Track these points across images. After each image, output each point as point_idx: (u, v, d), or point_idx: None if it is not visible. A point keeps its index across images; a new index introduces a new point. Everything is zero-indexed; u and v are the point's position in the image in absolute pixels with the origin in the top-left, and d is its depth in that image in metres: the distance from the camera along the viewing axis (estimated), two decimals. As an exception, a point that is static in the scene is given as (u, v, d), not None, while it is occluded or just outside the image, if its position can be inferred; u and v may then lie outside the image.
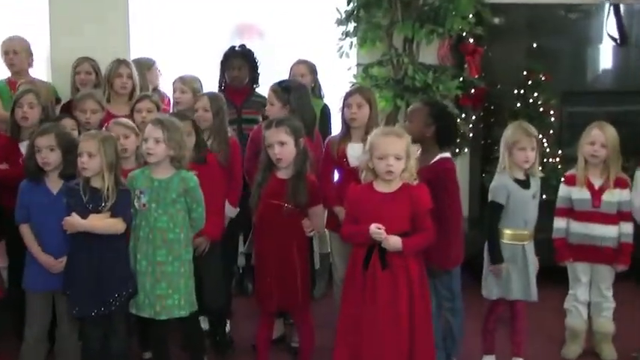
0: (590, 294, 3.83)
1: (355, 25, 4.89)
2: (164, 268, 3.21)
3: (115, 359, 3.27)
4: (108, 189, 3.16)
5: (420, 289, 3.06)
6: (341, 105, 3.77)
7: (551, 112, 5.05)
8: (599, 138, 3.72)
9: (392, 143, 3.04)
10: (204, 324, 3.88)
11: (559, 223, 3.81)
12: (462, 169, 3.44)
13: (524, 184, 3.53)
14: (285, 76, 4.53)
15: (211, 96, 3.97)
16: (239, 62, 4.53)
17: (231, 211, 3.91)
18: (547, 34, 5.19)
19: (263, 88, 4.53)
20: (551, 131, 5.02)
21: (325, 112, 4.59)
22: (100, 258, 3.17)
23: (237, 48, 4.59)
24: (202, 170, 3.45)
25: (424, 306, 3.08)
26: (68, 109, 4.24)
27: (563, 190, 3.83)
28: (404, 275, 3.02)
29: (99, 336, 3.23)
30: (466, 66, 5.05)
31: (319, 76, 4.71)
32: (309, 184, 3.38)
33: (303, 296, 3.42)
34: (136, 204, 3.24)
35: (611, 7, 5.23)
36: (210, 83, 4.58)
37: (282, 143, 3.34)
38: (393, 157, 3.02)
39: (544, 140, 4.80)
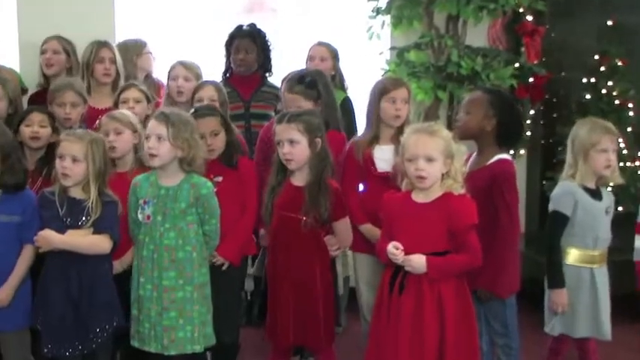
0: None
1: (388, 0, 4.90)
2: (173, 293, 3.23)
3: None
4: (92, 201, 3.19)
5: (455, 321, 3.04)
6: (373, 98, 3.72)
7: (630, 106, 5.02)
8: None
9: (422, 142, 3.06)
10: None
11: (641, 242, 3.80)
12: (517, 174, 3.43)
13: (596, 194, 3.53)
14: (301, 64, 4.57)
15: (217, 85, 4.01)
16: (247, 44, 4.58)
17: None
18: (625, 9, 5.12)
19: (276, 77, 4.58)
20: (630, 129, 4.99)
21: (347, 106, 4.56)
22: (80, 283, 3.19)
23: (244, 27, 4.64)
24: (231, 176, 3.50)
25: (463, 341, 3.06)
26: (36, 100, 4.27)
27: (647, 200, 3.83)
28: (433, 302, 3.02)
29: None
30: (523, 49, 5.05)
31: (341, 64, 4.73)
32: (331, 193, 3.40)
33: (327, 329, 3.44)
34: (139, 216, 3.28)
35: None
36: (211, 71, 4.62)
37: (292, 142, 3.37)
38: (423, 158, 3.04)
39: (620, 140, 4.77)
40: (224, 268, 3.53)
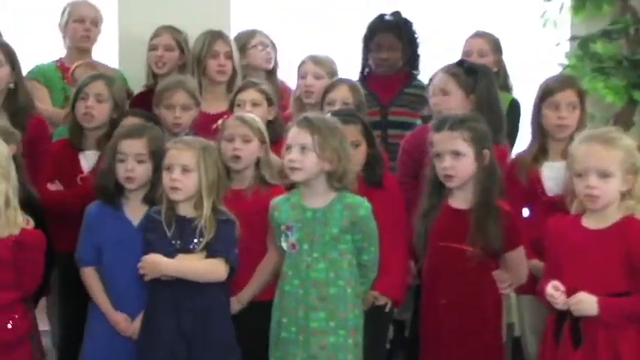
0: None
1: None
2: (323, 338, 3.25)
3: None
4: (205, 219, 3.25)
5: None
6: (535, 102, 3.73)
7: None
8: None
9: (595, 153, 3.01)
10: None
11: None
12: None
13: None
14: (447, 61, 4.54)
15: (353, 84, 4.04)
16: (391, 41, 4.57)
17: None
18: None
19: (423, 76, 4.56)
20: None
21: (514, 110, 4.56)
22: (193, 317, 3.25)
23: (387, 17, 4.65)
24: (376, 197, 3.47)
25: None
26: (141, 102, 4.39)
27: None
28: (609, 355, 2.96)
29: None
30: None
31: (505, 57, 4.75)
32: (502, 216, 3.35)
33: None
34: (283, 244, 3.31)
35: None
36: (346, 70, 4.64)
37: (456, 154, 3.36)
38: (595, 173, 2.98)
39: None
40: (387, 309, 3.54)
